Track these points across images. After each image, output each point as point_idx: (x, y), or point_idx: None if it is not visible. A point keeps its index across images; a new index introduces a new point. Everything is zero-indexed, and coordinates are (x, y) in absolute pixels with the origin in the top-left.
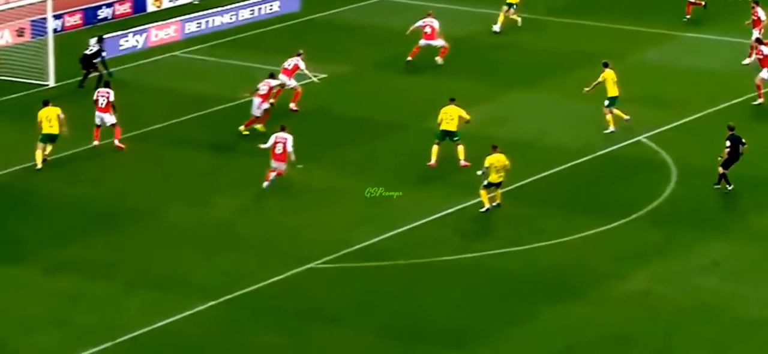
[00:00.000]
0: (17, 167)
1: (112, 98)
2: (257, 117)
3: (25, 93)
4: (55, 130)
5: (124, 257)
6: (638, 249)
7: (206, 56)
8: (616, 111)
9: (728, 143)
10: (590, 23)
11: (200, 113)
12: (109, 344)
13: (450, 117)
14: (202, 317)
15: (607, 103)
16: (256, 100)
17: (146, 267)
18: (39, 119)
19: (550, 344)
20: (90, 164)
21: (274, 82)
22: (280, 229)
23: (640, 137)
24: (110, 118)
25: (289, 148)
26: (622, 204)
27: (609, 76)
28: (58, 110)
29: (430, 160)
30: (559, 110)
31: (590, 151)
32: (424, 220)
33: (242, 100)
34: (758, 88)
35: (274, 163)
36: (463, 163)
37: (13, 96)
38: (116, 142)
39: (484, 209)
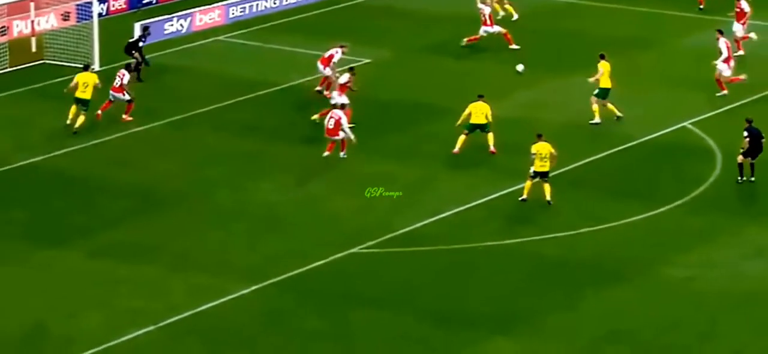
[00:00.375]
0: (63, 151)
1: (126, 81)
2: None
3: (70, 77)
4: (86, 96)
5: (167, 241)
6: (683, 235)
7: (250, 40)
8: (610, 105)
9: (746, 135)
10: (634, 8)
11: (244, 97)
12: (152, 328)
13: (480, 113)
14: (245, 301)
15: (596, 92)
16: (335, 93)
17: (190, 251)
18: (74, 81)
19: (595, 329)
20: (134, 148)
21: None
22: (323, 214)
23: (684, 123)
24: (121, 97)
25: (344, 124)
26: (667, 190)
27: (605, 68)
28: (95, 78)
29: (454, 147)
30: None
31: (635, 137)
32: (467, 205)
33: (285, 85)
34: (719, 82)
35: (329, 137)
36: (492, 149)
37: (58, 80)
38: (125, 115)
39: (522, 198)
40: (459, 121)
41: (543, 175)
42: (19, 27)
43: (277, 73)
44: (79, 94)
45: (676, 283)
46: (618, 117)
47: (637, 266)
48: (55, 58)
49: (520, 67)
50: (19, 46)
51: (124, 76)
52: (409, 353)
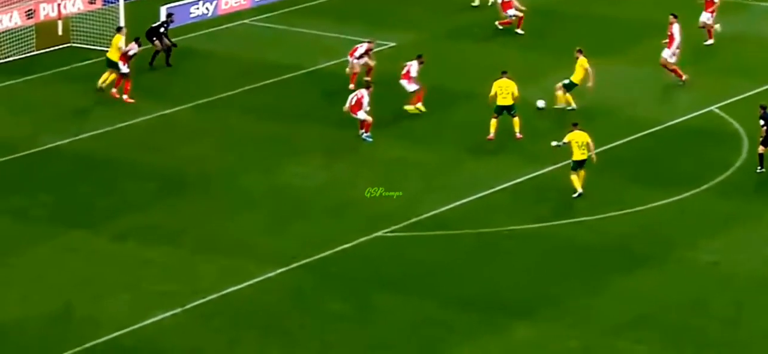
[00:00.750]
0: (89, 134)
1: (132, 53)
2: (414, 92)
3: (96, 60)
4: (111, 56)
5: (194, 224)
6: (709, 219)
7: (276, 23)
8: (568, 95)
9: (762, 123)
10: None
11: (270, 81)
12: (178, 310)
13: (506, 91)
14: (271, 284)
15: (565, 82)
16: (403, 82)
17: (215, 234)
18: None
19: (622, 313)
20: (160, 132)
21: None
22: (349, 197)
23: (712, 107)
24: (120, 66)
25: (364, 104)
26: (693, 174)
27: (582, 63)
28: (118, 39)
29: (489, 133)
30: (629, 80)
31: (661, 121)
32: (493, 189)
33: (311, 69)
34: (665, 66)
35: (353, 115)
36: (518, 135)
37: (84, 63)
38: (125, 96)
39: (576, 194)
40: (489, 102)
41: (581, 164)
42: (46, 10)
43: (303, 57)
44: (109, 55)
45: (702, 268)
46: (571, 108)
47: (663, 250)
48: (82, 42)
49: (541, 103)
50: (46, 29)
51: (132, 49)
52: (432, 337)
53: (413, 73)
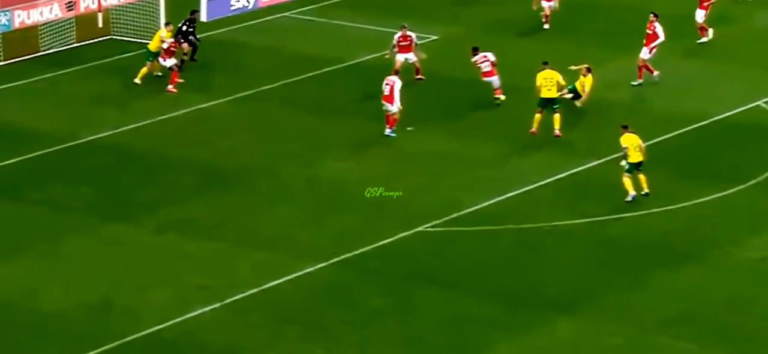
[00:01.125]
0: (130, 126)
1: (166, 45)
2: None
3: (136, 53)
4: (151, 47)
5: (233, 217)
6: (754, 216)
7: (316, 17)
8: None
9: None
10: None
11: (310, 74)
12: (218, 305)
13: (551, 83)
14: (311, 279)
15: (570, 88)
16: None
17: (254, 228)
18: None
19: (665, 310)
20: (201, 125)
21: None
22: (391, 191)
23: (759, 102)
24: (170, 61)
25: (396, 92)
26: (740, 170)
27: (587, 82)
28: (160, 32)
29: (532, 127)
30: (672, 74)
31: (707, 116)
32: (536, 184)
33: (352, 62)
34: (640, 68)
35: (385, 106)
36: (557, 132)
37: (124, 55)
38: (170, 85)
39: (629, 198)
40: (535, 94)
41: (638, 166)
42: (86, 2)
43: (343, 50)
44: (149, 46)
45: (745, 264)
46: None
47: (708, 247)
48: (122, 34)
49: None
50: (86, 21)
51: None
52: (472, 333)
53: (488, 67)
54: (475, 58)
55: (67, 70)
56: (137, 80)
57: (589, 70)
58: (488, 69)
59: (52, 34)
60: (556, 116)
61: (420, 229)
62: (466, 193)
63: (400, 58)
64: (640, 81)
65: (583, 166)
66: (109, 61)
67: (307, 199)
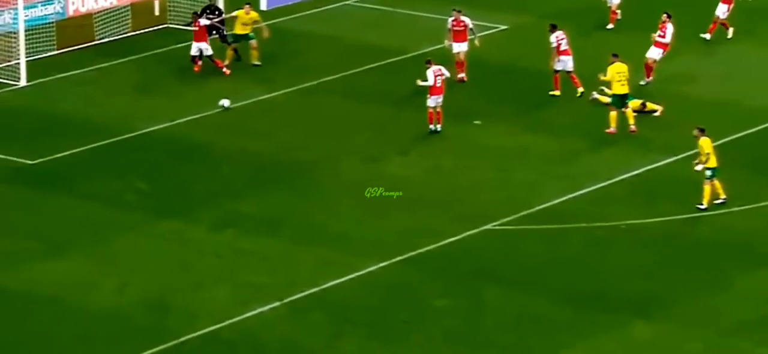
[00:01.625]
0: (187, 118)
1: (202, 23)
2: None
3: (192, 42)
4: (237, 31)
5: (293, 213)
6: None
7: (379, 5)
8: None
9: None
10: None
11: (373, 65)
12: (277, 304)
13: (623, 76)
14: (373, 278)
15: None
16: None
17: (315, 224)
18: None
19: (745, 314)
20: (260, 117)
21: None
22: (456, 188)
23: None
24: (207, 48)
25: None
26: None
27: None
28: (255, 16)
29: (609, 126)
30: (749, 67)
31: None
32: (609, 181)
33: (416, 53)
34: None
35: (430, 100)
36: (632, 127)
37: (181, 45)
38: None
39: (702, 206)
40: (606, 87)
41: (716, 171)
42: None
43: (407, 40)
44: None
45: None
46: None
47: None
48: (179, 23)
49: (225, 103)
50: (142, 9)
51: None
52: (542, 334)
53: (566, 45)
54: (556, 34)
55: (122, 60)
56: (226, 62)
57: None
58: (565, 47)
59: (107, 22)
60: (629, 112)
61: (488, 226)
62: (535, 190)
63: (455, 47)
64: (649, 79)
65: (658, 162)
66: (165, 50)
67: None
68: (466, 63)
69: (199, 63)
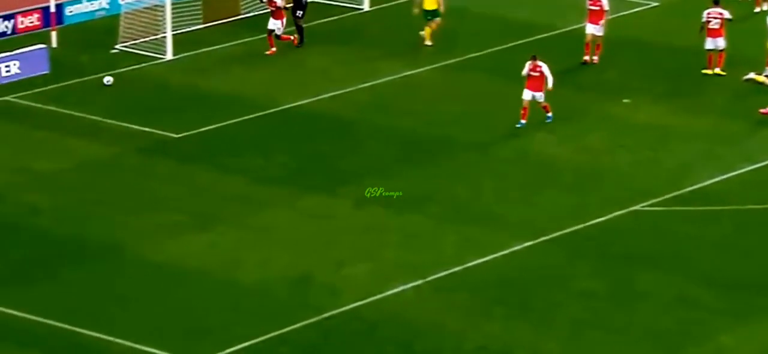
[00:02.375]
0: (330, 94)
1: (280, 3)
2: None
3: (338, 17)
4: (432, 6)
5: (439, 191)
6: None
7: None
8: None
9: None
10: None
11: (520, 42)
12: (420, 282)
13: None
14: (518, 257)
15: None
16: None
17: (461, 202)
18: None
19: None
20: (405, 93)
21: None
22: (603, 168)
23: None
24: (280, 27)
25: (548, 75)
26: None
27: None
28: None
29: (765, 106)
30: None
31: None
32: (763, 163)
33: (563, 30)
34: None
35: (526, 95)
36: None
37: (327, 20)
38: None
39: None
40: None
41: None
42: None
43: (556, 16)
44: (426, 6)
45: None
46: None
47: None
48: None
49: (108, 80)
50: None
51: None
52: (693, 320)
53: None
54: (710, 11)
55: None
56: (428, 41)
57: None
58: (717, 27)
59: None
60: None
61: (637, 207)
62: (685, 171)
63: (589, 29)
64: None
65: None
66: (311, 25)
67: (516, 173)
68: (601, 46)
69: (279, 40)
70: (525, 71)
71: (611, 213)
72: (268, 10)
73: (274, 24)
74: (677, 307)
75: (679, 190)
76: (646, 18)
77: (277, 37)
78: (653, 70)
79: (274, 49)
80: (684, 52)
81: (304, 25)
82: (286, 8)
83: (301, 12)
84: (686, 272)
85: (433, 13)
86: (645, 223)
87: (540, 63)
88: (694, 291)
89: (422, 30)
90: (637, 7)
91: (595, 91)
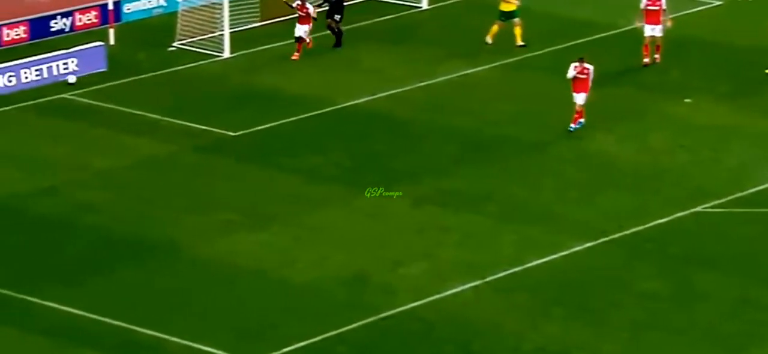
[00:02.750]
0: (387, 93)
1: (311, 12)
2: None
3: (397, 15)
4: (510, 7)
5: (498, 190)
6: None
7: None
8: None
9: None
10: None
11: (581, 41)
12: (478, 282)
13: None
14: (578, 258)
15: None
16: None
17: (520, 202)
18: None
19: None
20: (461, 92)
21: None
22: (665, 168)
23: None
24: (306, 33)
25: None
26: None
27: None
28: None
29: None
30: None
31: None
32: None
33: (624, 29)
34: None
35: (579, 98)
36: None
37: (381, 19)
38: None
39: None
40: None
41: None
42: None
43: (617, 15)
44: (502, 8)
45: None
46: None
47: None
48: None
49: (71, 79)
50: None
51: (308, 9)
52: (757, 322)
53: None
54: None
55: (321, 34)
56: (488, 39)
57: None
58: None
59: None
60: None
61: (699, 209)
62: (750, 171)
63: (647, 30)
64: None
65: None
66: (365, 24)
67: (576, 173)
68: (660, 46)
69: (302, 46)
70: (571, 73)
71: (672, 214)
72: (299, 14)
73: (301, 30)
74: (739, 308)
75: (740, 191)
76: (709, 17)
77: (297, 40)
78: (715, 70)
79: (298, 54)
80: (747, 52)
81: (343, 29)
82: (315, 18)
83: (339, 16)
84: (748, 274)
85: (511, 14)
86: (706, 225)
87: (588, 65)
88: (756, 292)
89: (489, 32)
90: (700, 6)
91: (656, 90)
